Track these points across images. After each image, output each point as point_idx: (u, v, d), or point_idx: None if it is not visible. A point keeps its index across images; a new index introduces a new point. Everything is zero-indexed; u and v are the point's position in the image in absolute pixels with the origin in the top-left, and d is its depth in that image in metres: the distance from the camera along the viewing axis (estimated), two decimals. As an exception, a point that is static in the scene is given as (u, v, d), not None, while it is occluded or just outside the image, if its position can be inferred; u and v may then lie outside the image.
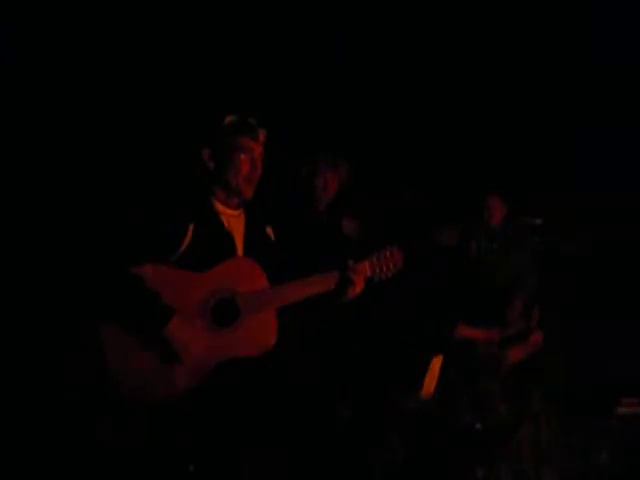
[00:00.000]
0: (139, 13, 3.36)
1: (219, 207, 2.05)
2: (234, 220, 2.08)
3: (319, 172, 2.85)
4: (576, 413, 2.53)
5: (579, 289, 3.55)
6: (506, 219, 3.58)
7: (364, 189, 4.05)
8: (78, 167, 3.05)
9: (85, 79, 3.16)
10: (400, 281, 2.99)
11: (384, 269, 2.14)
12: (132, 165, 3.12)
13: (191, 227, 1.95)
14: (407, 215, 4.04)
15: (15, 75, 3.05)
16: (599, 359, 2.94)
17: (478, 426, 2.25)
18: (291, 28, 3.77)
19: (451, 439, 2.19)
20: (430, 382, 2.56)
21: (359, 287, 2.11)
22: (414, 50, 4.05)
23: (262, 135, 2.05)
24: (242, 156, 2.01)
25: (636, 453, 2.22)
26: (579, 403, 2.61)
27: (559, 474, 2.06)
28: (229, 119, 2.05)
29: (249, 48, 3.73)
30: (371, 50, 4.01)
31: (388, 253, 2.16)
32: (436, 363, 2.62)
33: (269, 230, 2.19)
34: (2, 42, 3.04)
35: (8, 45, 3.07)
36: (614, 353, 3.00)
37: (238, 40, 3.69)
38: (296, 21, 3.76)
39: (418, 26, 4.04)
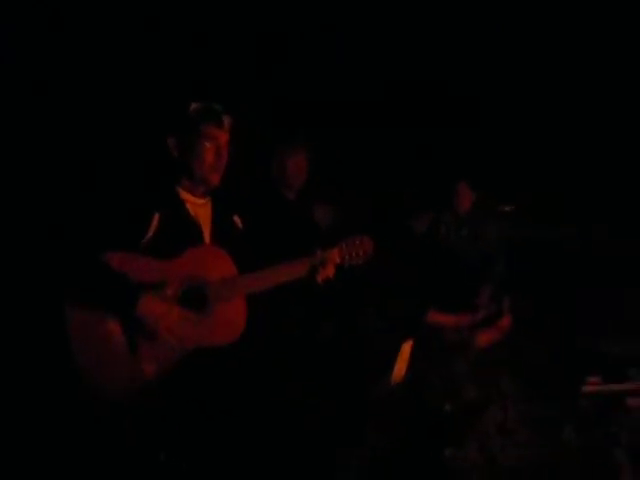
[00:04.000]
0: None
1: (185, 195, 2.03)
2: (200, 208, 2.06)
3: (288, 159, 2.84)
4: (543, 394, 2.58)
5: (547, 273, 3.61)
6: (475, 206, 3.63)
7: (337, 177, 4.07)
8: (43, 153, 3.00)
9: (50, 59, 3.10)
10: (373, 267, 3.01)
11: (354, 256, 2.16)
12: (98, 152, 3.07)
13: (157, 216, 1.93)
14: (380, 203, 4.07)
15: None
16: (568, 341, 3.01)
17: (447, 408, 2.29)
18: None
19: (420, 421, 2.22)
20: (401, 367, 2.59)
21: (328, 274, 2.13)
22: (375, 31, 4.05)
23: (227, 122, 2.03)
24: (207, 144, 1.99)
25: (600, 429, 2.28)
26: (546, 384, 2.66)
27: (525, 454, 2.10)
28: (194, 106, 2.03)
29: (216, 37, 3.71)
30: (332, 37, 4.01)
31: (358, 241, 2.17)
32: (406, 348, 2.64)
33: (236, 218, 2.18)
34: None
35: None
36: (583, 334, 3.06)
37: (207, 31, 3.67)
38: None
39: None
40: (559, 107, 4.25)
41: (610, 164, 4.10)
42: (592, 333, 3.04)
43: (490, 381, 2.59)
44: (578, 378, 2.72)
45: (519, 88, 4.27)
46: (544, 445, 2.14)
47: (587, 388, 2.69)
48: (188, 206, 2.03)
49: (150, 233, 1.91)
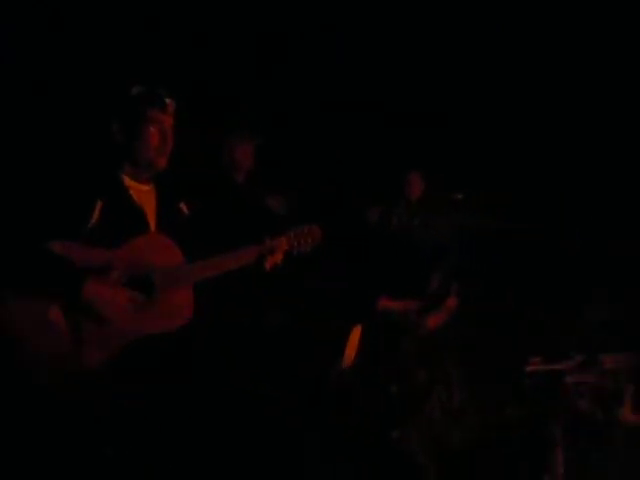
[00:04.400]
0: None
1: (128, 182, 1.99)
2: (145, 195, 2.02)
3: (236, 145, 2.83)
4: (488, 375, 2.67)
5: (496, 260, 3.70)
6: (427, 195, 3.69)
7: (288, 167, 4.07)
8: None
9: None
10: (324, 255, 3.03)
11: (302, 244, 2.17)
12: (38, 139, 2.98)
13: (99, 203, 1.89)
14: (332, 191, 4.08)
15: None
16: (511, 324, 3.11)
17: (394, 390, 2.34)
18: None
19: (368, 404, 2.26)
20: (350, 352, 2.63)
21: (277, 261, 2.14)
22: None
23: (171, 106, 2.00)
24: (152, 128, 1.96)
25: (539, 407, 2.37)
26: (491, 365, 2.75)
27: (470, 434, 2.17)
28: (136, 90, 1.99)
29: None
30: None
31: (306, 229, 2.19)
32: (355, 333, 2.68)
33: (182, 205, 2.16)
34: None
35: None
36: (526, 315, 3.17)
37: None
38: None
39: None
40: (509, 95, 4.32)
41: (560, 152, 4.20)
42: (537, 317, 3.15)
43: (436, 364, 2.66)
44: (521, 359, 2.82)
45: (466, 76, 4.35)
46: (487, 425, 2.21)
47: (529, 368, 2.80)
48: (132, 193, 1.99)
49: (93, 221, 1.87)
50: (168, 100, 1.98)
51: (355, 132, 4.34)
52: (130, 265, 1.87)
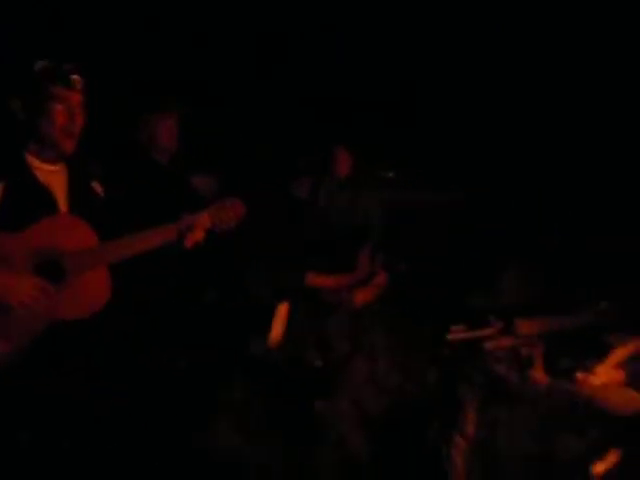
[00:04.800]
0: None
1: (33, 162, 1.91)
2: (53, 175, 1.94)
3: (157, 123, 2.74)
4: (412, 344, 2.76)
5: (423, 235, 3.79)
6: (356, 170, 3.71)
7: (216, 146, 4.00)
8: None
9: None
10: (250, 231, 3.02)
11: (224, 220, 2.14)
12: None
13: (1, 185, 1.80)
14: (263, 168, 4.06)
15: None
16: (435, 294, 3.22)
17: (318, 363, 2.38)
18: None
19: (292, 378, 2.30)
20: (277, 329, 2.65)
21: (198, 239, 2.10)
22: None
23: (78, 82, 1.91)
24: (57, 106, 1.87)
25: (458, 373, 2.48)
26: (414, 335, 2.84)
27: (391, 400, 2.25)
28: (39, 65, 1.89)
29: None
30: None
31: (228, 203, 2.16)
32: (282, 309, 2.70)
33: (96, 185, 2.09)
34: None
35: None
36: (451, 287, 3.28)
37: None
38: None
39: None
40: (442, 70, 4.35)
41: (494, 127, 4.26)
42: (460, 287, 3.27)
43: (362, 334, 2.72)
44: (443, 327, 2.94)
45: (396, 52, 4.38)
46: (407, 390, 2.29)
47: (451, 336, 2.92)
48: (37, 173, 1.91)
49: (-5, 204, 1.78)
50: (74, 76, 1.89)
51: (283, 109, 4.31)
52: (36, 249, 1.80)
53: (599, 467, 2.02)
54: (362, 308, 3.09)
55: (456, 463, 1.77)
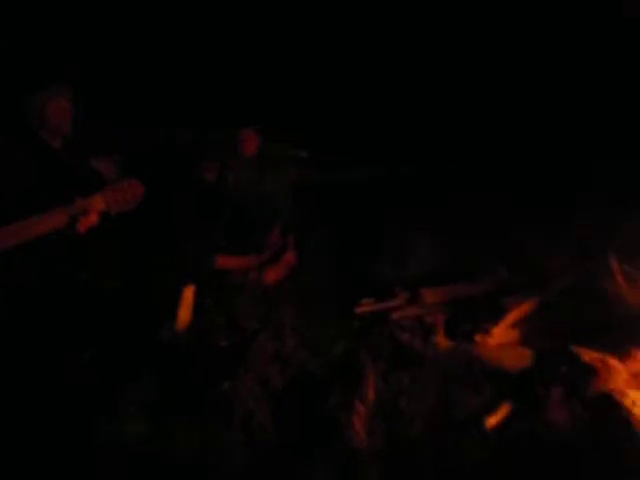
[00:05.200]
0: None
1: None
2: None
3: (48, 102, 2.57)
4: (322, 320, 2.81)
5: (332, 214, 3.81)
6: (262, 150, 3.69)
7: (120, 128, 3.85)
8: None
9: None
10: (158, 214, 2.94)
11: (121, 202, 2.06)
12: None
13: None
14: (168, 151, 3.94)
15: None
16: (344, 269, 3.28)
17: (223, 343, 2.38)
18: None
19: (199, 360, 2.28)
20: (185, 312, 2.61)
21: (92, 222, 2.02)
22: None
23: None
24: None
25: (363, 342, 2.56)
26: (324, 309, 2.90)
27: (301, 376, 2.29)
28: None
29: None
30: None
31: (125, 185, 2.08)
32: (188, 293, 2.66)
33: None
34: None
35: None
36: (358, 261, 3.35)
37: None
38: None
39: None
40: (356, 47, 4.35)
41: (410, 103, 4.30)
42: (367, 260, 3.35)
43: (270, 312, 2.74)
44: (353, 301, 3.01)
45: (303, 30, 4.35)
46: (316, 366, 2.33)
47: (360, 309, 3.00)
48: None
49: None
50: None
51: (191, 91, 4.21)
52: None
53: (492, 420, 2.16)
54: (272, 287, 3.10)
55: (357, 428, 1.83)
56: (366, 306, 3.01)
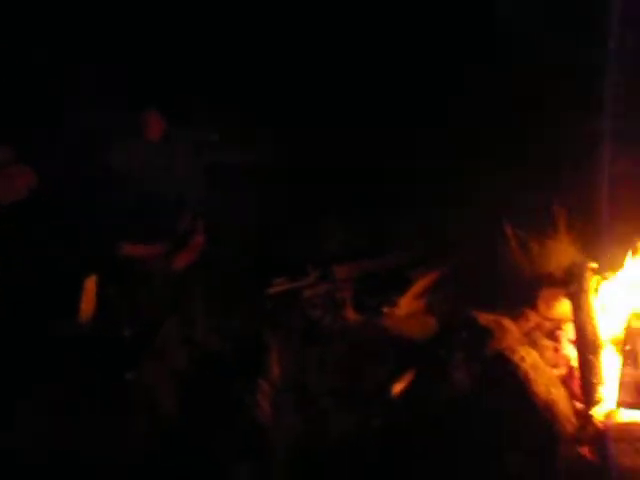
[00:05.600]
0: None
1: None
2: None
3: None
4: (234, 304, 2.80)
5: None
6: (170, 134, 3.59)
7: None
8: None
9: None
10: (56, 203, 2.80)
11: (10, 190, 1.96)
12: None
13: None
14: (72, 137, 3.76)
15: None
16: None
17: (127, 332, 2.33)
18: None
19: (103, 351, 2.22)
20: (87, 304, 2.52)
21: None
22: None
23: None
24: None
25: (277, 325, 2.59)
26: (236, 292, 2.89)
27: (211, 359, 2.28)
28: None
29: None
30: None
31: (14, 172, 1.98)
32: (90, 283, 2.57)
33: None
34: None
35: None
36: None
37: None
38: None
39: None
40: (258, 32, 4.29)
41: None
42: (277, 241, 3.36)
43: (180, 297, 2.71)
44: (265, 282, 3.02)
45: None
46: (227, 350, 2.33)
47: (273, 290, 3.01)
48: None
49: None
50: None
51: (93, 75, 4.02)
52: None
53: (397, 387, 2.25)
54: (182, 272, 3.05)
55: (263, 407, 1.85)
56: (278, 286, 3.03)
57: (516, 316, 2.57)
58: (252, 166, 4.12)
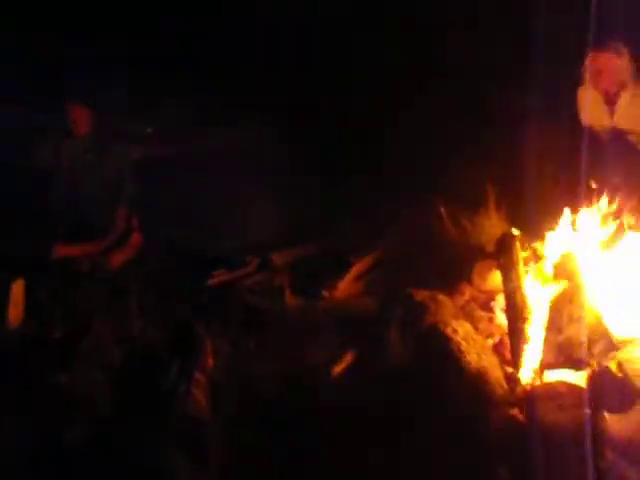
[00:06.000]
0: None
1: None
2: None
3: None
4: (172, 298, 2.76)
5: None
6: (100, 130, 3.48)
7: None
8: None
9: None
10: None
11: None
12: None
13: None
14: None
15: None
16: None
17: (57, 335, 2.27)
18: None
19: (33, 355, 2.15)
20: (15, 309, 2.43)
21: None
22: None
23: None
24: None
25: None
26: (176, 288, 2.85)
27: (146, 354, 2.23)
28: None
29: None
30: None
31: None
32: (17, 287, 2.48)
33: None
34: None
35: None
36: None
37: None
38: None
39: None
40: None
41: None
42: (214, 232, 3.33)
43: (116, 296, 2.65)
44: (204, 275, 2.99)
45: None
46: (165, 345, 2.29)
47: (212, 281, 2.99)
48: None
49: None
50: None
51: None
52: None
53: (337, 368, 2.27)
54: (118, 271, 2.98)
55: (198, 398, 1.84)
56: (218, 277, 3.00)
57: (451, 290, 2.64)
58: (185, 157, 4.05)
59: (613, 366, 1.90)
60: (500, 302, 2.59)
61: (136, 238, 3.19)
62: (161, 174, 3.70)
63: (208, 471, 1.73)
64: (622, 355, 1.97)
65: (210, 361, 2.05)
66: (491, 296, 2.68)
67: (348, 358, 2.33)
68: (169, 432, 1.72)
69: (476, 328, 2.45)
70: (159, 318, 2.54)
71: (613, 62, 2.84)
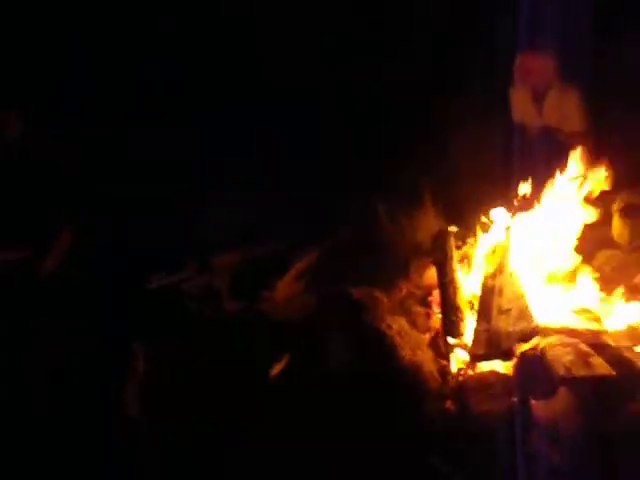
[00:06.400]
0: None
1: None
2: None
3: None
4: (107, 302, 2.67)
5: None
6: (30, 132, 3.35)
7: None
8: None
9: None
10: None
11: None
12: None
13: None
14: None
15: None
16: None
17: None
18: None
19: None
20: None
21: None
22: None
23: None
24: None
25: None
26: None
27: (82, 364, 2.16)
28: None
29: None
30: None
31: None
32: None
33: None
34: None
35: None
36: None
37: None
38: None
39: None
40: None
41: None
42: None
43: (48, 302, 2.55)
44: (141, 279, 2.90)
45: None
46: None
47: (151, 285, 2.91)
48: None
49: None
50: None
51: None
52: None
53: (275, 369, 2.26)
54: (51, 275, 2.87)
55: (131, 408, 1.79)
56: (157, 281, 2.93)
57: (389, 287, 2.67)
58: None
59: (536, 353, 1.96)
60: (437, 297, 2.64)
61: (65, 241, 3.07)
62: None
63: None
64: (544, 341, 2.03)
65: (144, 368, 2.00)
66: (428, 292, 2.73)
67: (285, 359, 2.31)
68: (104, 438, 1.66)
69: (414, 323, 2.49)
70: (92, 322, 2.45)
71: (540, 62, 2.96)
